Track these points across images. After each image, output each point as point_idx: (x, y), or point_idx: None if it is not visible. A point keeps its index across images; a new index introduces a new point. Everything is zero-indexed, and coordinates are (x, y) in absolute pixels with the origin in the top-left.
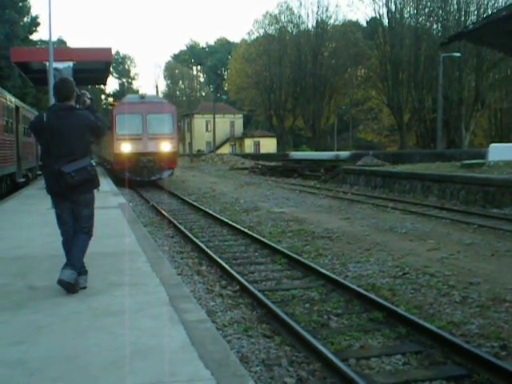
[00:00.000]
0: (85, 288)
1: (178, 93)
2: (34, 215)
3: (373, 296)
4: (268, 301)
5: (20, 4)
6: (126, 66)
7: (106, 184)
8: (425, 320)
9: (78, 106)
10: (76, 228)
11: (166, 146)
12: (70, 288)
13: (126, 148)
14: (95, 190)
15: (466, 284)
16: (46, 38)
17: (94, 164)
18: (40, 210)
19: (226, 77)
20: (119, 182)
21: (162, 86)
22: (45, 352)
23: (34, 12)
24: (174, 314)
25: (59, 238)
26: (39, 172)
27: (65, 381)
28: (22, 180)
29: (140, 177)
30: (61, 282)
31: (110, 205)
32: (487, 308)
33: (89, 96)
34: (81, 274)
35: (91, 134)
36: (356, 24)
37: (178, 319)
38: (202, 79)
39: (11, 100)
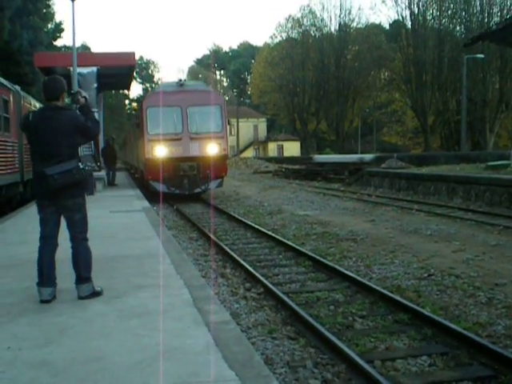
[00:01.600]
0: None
1: None
2: None
3: (398, 297)
4: (292, 303)
5: (44, 10)
6: (150, 71)
7: (134, 199)
8: (450, 321)
9: (74, 106)
10: (71, 236)
11: (213, 148)
12: (95, 295)
13: (160, 152)
14: (89, 195)
15: (491, 285)
16: (69, 43)
17: (81, 167)
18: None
19: (249, 81)
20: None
21: None
22: (69, 353)
23: (57, 18)
24: (197, 315)
25: (90, 242)
26: None
27: (89, 381)
28: None
29: (180, 189)
30: (83, 299)
31: (134, 208)
32: None
33: (83, 94)
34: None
35: (80, 136)
36: (379, 27)
37: (202, 320)
38: (225, 83)
39: (35, 105)
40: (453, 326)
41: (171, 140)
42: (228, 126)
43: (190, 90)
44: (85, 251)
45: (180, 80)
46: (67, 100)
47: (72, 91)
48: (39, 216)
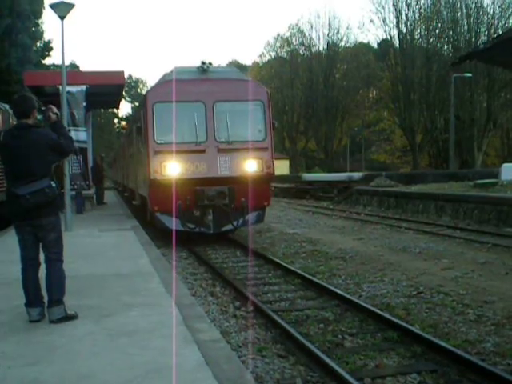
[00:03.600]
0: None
1: None
2: None
3: (387, 315)
4: (282, 321)
5: (33, 29)
6: (139, 90)
7: (123, 218)
8: (440, 339)
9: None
10: (46, 257)
11: (252, 165)
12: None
13: (173, 170)
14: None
15: (480, 302)
16: (58, 62)
17: (54, 185)
18: None
19: None
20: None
21: None
22: (59, 372)
23: (46, 37)
24: (187, 333)
25: (74, 260)
26: None
27: None
28: None
29: (202, 226)
30: (54, 323)
31: (123, 227)
32: (502, 326)
33: (54, 111)
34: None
35: (53, 153)
36: (367, 46)
37: (192, 339)
38: None
39: None
40: (442, 343)
41: (190, 152)
42: (273, 130)
43: (218, 78)
44: (58, 273)
45: (203, 63)
46: (39, 117)
47: (43, 108)
48: (17, 237)
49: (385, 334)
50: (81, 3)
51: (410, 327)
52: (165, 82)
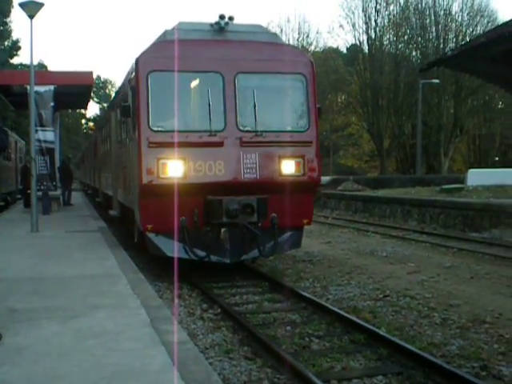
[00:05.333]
0: None
1: None
2: (14, 239)
3: (354, 318)
4: (249, 323)
5: (1, 28)
6: (107, 91)
7: (90, 219)
8: (406, 341)
9: None
10: None
11: (289, 167)
12: None
13: (175, 170)
14: None
15: (446, 306)
16: (26, 61)
17: None
18: (20, 234)
19: None
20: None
21: None
22: (26, 373)
23: (15, 36)
24: (155, 335)
25: (40, 261)
26: (19, 196)
27: None
28: (2, 204)
29: (217, 252)
30: None
31: (90, 228)
32: (467, 329)
33: None
34: None
35: None
36: (336, 51)
37: (160, 340)
38: None
39: None
40: (408, 346)
41: (200, 145)
42: (318, 116)
43: (241, 40)
44: None
45: (222, 17)
46: None
47: None
48: None
49: (351, 337)
50: (49, 2)
51: (376, 330)
52: (164, 42)
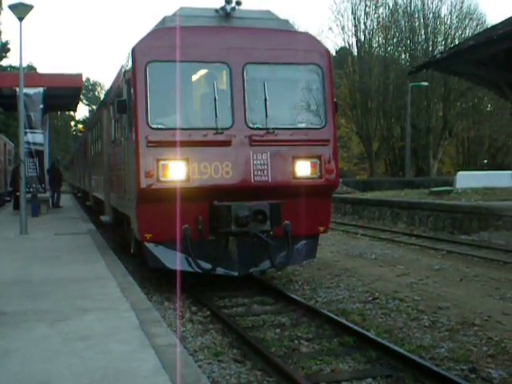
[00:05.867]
0: None
1: None
2: (2, 241)
3: (343, 321)
4: (238, 326)
5: None
6: (96, 93)
7: (80, 222)
8: (395, 344)
9: None
10: None
11: (304, 168)
12: None
13: (177, 172)
14: None
15: (435, 308)
16: (15, 63)
17: None
18: (9, 236)
19: None
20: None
21: None
22: (14, 376)
23: (3, 38)
24: (144, 338)
25: (29, 264)
26: (8, 198)
27: None
28: None
29: (224, 264)
30: None
31: (79, 230)
32: (456, 332)
33: None
34: None
35: None
36: None
37: (149, 343)
38: None
39: None
40: (397, 348)
41: (205, 145)
42: (335, 110)
43: (250, 27)
44: None
45: (228, 2)
46: None
47: None
48: None
49: (341, 340)
50: (39, 4)
51: (365, 332)
52: (164, 29)
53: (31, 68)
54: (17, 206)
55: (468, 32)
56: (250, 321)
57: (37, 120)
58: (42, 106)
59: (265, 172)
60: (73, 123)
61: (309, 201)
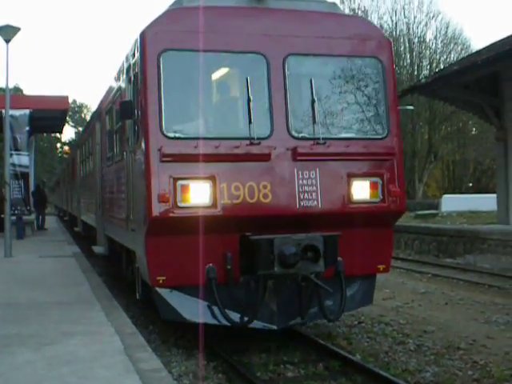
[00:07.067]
0: None
1: None
2: None
3: (329, 345)
4: (223, 351)
5: None
6: (83, 115)
7: (65, 244)
8: (380, 368)
9: None
10: None
11: (362, 190)
12: None
13: (200, 195)
14: None
15: (420, 332)
16: (1, 85)
17: None
18: None
19: None
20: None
21: None
22: None
23: None
24: (129, 363)
25: (13, 287)
26: None
27: None
28: None
29: (262, 317)
30: None
31: (64, 253)
32: (441, 356)
33: None
34: None
35: None
36: None
37: (133, 368)
38: None
39: None
40: (382, 373)
41: (236, 159)
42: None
43: (291, 8)
44: None
45: None
46: None
47: None
48: None
49: (326, 364)
50: (25, 26)
51: (350, 357)
52: (183, 9)
53: (17, 90)
54: (1, 228)
55: (453, 56)
56: (235, 345)
57: (22, 142)
58: (27, 128)
59: (313, 195)
60: (59, 145)
61: (367, 231)
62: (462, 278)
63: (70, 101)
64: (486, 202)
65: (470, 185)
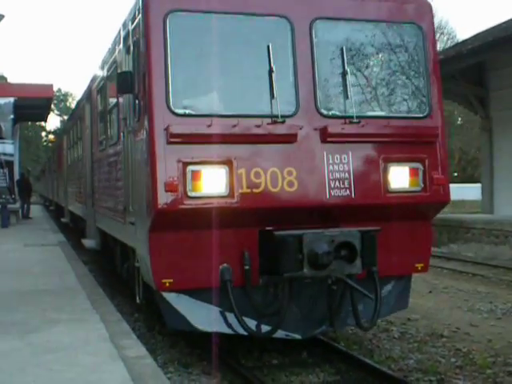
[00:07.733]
0: None
1: None
2: None
3: None
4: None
5: None
6: (68, 104)
7: (50, 233)
8: (364, 356)
9: None
10: None
11: (401, 176)
12: None
13: (214, 183)
14: None
15: (404, 320)
16: None
17: None
18: None
19: None
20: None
21: None
22: None
23: None
24: (113, 350)
25: (4, 277)
26: None
27: None
28: None
29: (285, 325)
30: None
31: (49, 242)
32: (425, 343)
33: None
34: None
35: None
36: None
37: (118, 355)
38: None
39: None
40: (366, 360)
41: (256, 140)
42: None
43: None
44: None
45: None
46: None
47: None
48: None
49: (310, 351)
50: (9, 13)
51: (335, 344)
52: None
53: (1, 78)
54: None
55: (439, 46)
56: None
57: (7, 130)
58: (12, 116)
59: (345, 183)
60: (44, 134)
61: (404, 225)
62: (446, 266)
63: (55, 89)
64: (471, 191)
65: (456, 174)
